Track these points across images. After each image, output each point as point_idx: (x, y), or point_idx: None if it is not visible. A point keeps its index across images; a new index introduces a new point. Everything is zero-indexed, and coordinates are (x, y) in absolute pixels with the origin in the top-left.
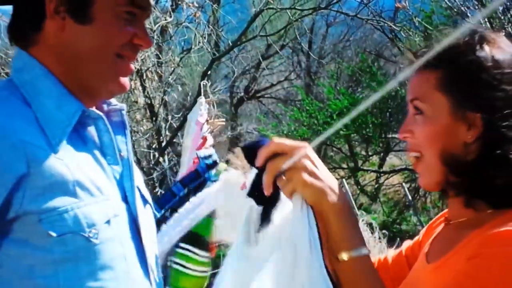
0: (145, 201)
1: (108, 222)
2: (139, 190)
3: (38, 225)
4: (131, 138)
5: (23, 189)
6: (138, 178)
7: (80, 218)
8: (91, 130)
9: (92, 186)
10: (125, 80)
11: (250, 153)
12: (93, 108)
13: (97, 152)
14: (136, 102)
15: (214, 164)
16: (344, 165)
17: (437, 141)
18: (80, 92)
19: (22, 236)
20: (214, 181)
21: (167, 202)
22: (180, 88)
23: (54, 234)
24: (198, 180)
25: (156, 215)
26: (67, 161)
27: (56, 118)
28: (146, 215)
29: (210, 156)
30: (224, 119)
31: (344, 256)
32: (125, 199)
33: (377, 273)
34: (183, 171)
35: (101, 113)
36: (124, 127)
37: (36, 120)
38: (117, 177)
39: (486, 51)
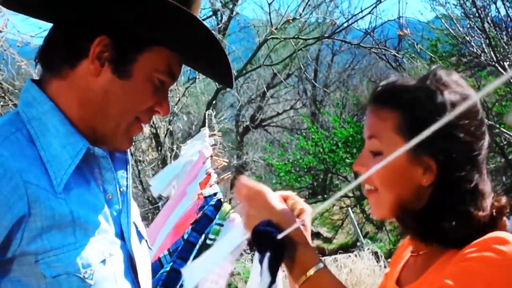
0: (141, 237)
1: (103, 261)
2: (136, 226)
3: (35, 266)
4: (137, 167)
5: (22, 230)
6: (135, 213)
7: (76, 259)
8: (95, 167)
9: (90, 226)
10: (131, 140)
11: (261, 238)
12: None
13: (98, 190)
14: (142, 131)
15: (219, 203)
16: (350, 194)
17: (393, 181)
18: (87, 134)
19: (18, 276)
20: (219, 224)
21: (189, 253)
22: (185, 118)
23: (49, 276)
24: (210, 224)
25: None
26: (67, 201)
27: (59, 158)
28: (142, 251)
29: (215, 194)
30: (227, 159)
31: (311, 271)
32: (121, 235)
33: (338, 280)
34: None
35: (105, 152)
36: (126, 161)
37: (40, 159)
38: (114, 214)
39: (445, 97)
